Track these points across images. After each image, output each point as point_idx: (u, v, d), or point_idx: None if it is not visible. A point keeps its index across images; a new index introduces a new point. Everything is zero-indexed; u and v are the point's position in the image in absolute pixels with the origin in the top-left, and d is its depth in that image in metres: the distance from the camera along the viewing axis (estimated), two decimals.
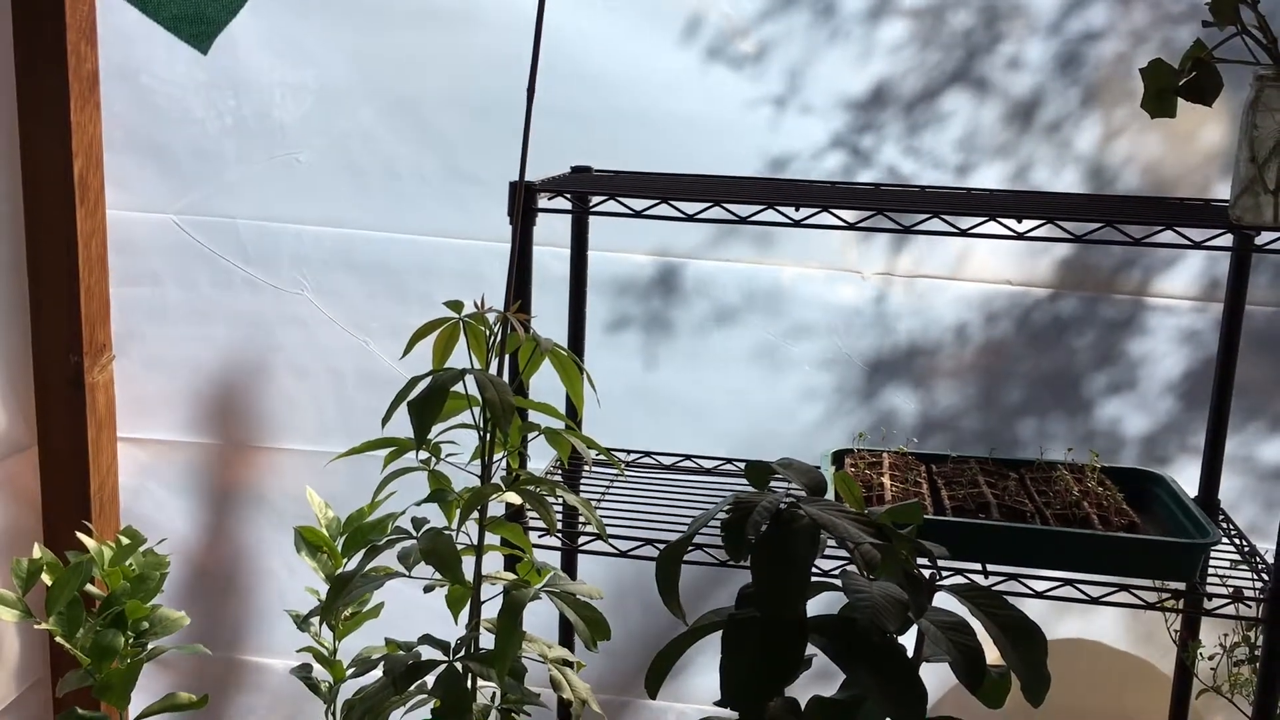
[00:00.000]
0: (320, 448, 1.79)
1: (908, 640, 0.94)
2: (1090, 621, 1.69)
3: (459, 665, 1.14)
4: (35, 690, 1.73)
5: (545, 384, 1.24)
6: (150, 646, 1.47)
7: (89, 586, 1.44)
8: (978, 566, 1.25)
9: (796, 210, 1.26)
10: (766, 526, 0.90)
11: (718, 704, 0.90)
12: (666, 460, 1.60)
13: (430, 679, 1.15)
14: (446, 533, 1.13)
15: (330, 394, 1.80)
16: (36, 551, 1.44)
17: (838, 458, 1.48)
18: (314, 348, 1.78)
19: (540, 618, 1.23)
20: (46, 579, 1.42)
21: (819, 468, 1.20)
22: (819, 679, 1.07)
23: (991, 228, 1.23)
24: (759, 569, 0.90)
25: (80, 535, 1.50)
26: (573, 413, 1.32)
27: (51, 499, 1.71)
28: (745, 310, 1.72)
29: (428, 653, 1.18)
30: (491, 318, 1.16)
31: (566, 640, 1.49)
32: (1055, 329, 1.67)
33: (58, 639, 1.41)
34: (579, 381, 1.20)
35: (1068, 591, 1.24)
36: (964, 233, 1.24)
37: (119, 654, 1.43)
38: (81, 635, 1.41)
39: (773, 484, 0.98)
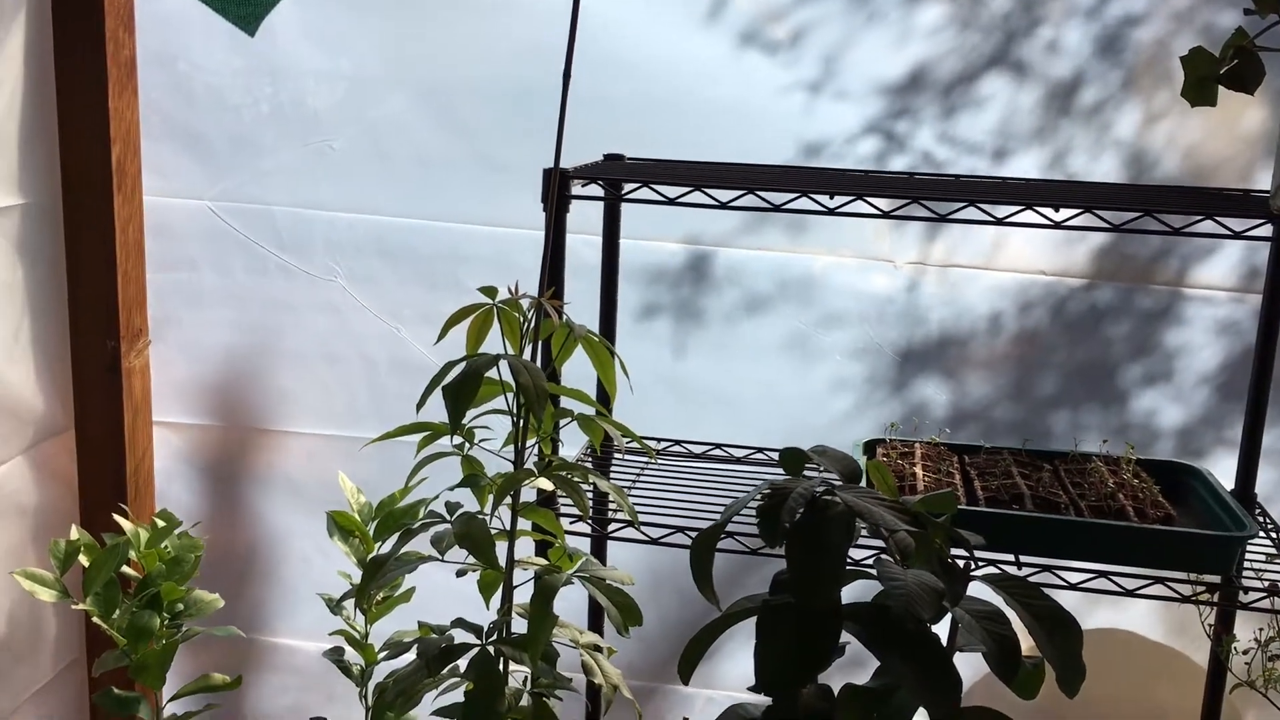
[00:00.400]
0: (352, 433, 1.80)
1: (940, 631, 0.94)
2: (1123, 612, 1.68)
3: (492, 649, 1.15)
4: (72, 670, 1.76)
5: (574, 371, 1.24)
6: (185, 628, 1.48)
7: (125, 568, 1.46)
8: (1010, 557, 1.25)
9: (831, 198, 1.26)
10: (802, 513, 0.90)
11: (751, 689, 0.90)
12: (696, 449, 1.60)
13: (463, 662, 1.16)
14: (480, 517, 1.14)
15: (362, 380, 1.81)
16: (74, 533, 1.45)
17: (869, 447, 1.47)
18: (346, 334, 1.79)
19: (569, 603, 1.23)
20: (84, 560, 1.43)
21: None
22: (849, 667, 1.07)
23: (1028, 216, 1.22)
24: (794, 555, 0.90)
25: (117, 518, 1.52)
26: (604, 399, 1.32)
27: (88, 481, 1.73)
28: (777, 299, 1.72)
29: (460, 636, 1.19)
30: (525, 303, 1.16)
31: (596, 626, 1.50)
32: (1090, 319, 1.65)
33: (95, 619, 1.43)
34: (611, 368, 1.20)
35: (1102, 583, 1.23)
36: (1000, 221, 1.23)
37: (154, 635, 1.44)
38: (118, 616, 1.43)
39: (805, 471, 0.98)
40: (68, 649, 1.75)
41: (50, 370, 1.67)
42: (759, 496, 0.93)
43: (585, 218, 1.49)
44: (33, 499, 1.65)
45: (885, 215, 1.26)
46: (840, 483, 0.96)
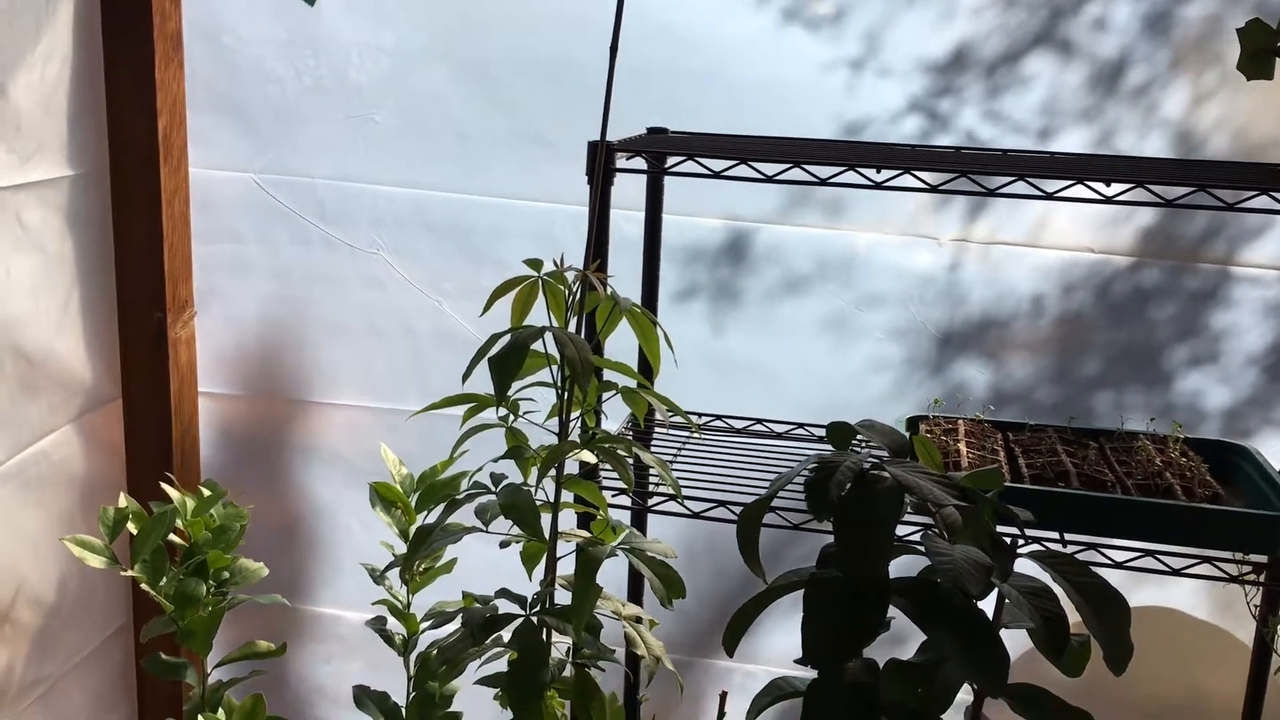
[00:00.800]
0: (394, 405, 1.81)
1: (985, 608, 0.93)
2: (1167, 590, 1.67)
3: (536, 619, 1.16)
4: (119, 635, 1.79)
5: (614, 345, 1.24)
6: (230, 596, 1.51)
7: (171, 536, 1.48)
8: (1055, 535, 1.24)
9: (878, 172, 1.25)
10: (850, 486, 0.90)
11: (797, 662, 0.90)
12: (737, 424, 1.60)
13: (506, 633, 1.17)
14: (525, 489, 1.14)
15: (405, 353, 1.82)
16: (122, 501, 1.48)
17: (912, 424, 1.46)
18: (389, 308, 1.81)
19: (607, 576, 1.24)
20: (132, 528, 1.46)
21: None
22: (890, 643, 1.07)
23: (1078, 191, 1.20)
24: (842, 528, 0.90)
25: (164, 486, 1.54)
26: (647, 373, 1.32)
27: (135, 450, 1.75)
28: (817, 278, 1.71)
29: (504, 607, 1.20)
30: (570, 276, 1.17)
31: (635, 598, 1.50)
32: (1136, 300, 1.63)
33: (143, 586, 1.45)
34: (656, 341, 1.20)
35: (1148, 562, 1.23)
36: (1050, 196, 1.22)
37: (201, 602, 1.46)
38: (165, 583, 1.45)
39: (851, 446, 0.98)
40: (115, 615, 1.78)
41: (98, 340, 1.69)
42: (806, 470, 0.93)
43: (624, 193, 1.49)
44: (81, 467, 1.67)
45: (933, 189, 1.25)
46: (888, 457, 0.96)
